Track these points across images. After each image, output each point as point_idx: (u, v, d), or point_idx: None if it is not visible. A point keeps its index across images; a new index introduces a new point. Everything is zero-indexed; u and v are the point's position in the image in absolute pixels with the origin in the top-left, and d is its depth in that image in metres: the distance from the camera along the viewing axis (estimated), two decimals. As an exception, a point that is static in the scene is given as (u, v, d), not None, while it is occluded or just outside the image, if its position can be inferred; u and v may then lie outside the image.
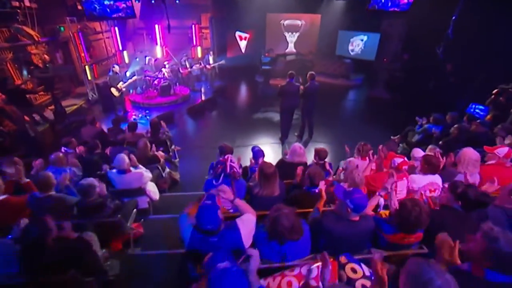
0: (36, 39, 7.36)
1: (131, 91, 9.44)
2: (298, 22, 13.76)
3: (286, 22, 13.68)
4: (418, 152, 3.87)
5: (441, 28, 7.93)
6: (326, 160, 4.03)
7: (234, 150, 6.46)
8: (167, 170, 5.25)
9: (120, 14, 8.01)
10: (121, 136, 5.08)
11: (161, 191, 4.88)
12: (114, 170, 3.80)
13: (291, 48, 14.24)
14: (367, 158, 3.98)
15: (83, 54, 8.44)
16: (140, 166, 4.03)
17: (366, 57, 12.58)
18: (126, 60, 10.39)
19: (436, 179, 3.25)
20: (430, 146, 4.43)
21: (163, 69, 9.47)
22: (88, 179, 3.03)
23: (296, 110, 6.86)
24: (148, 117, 8.07)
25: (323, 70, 12.99)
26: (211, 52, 10.73)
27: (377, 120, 8.13)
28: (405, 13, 8.82)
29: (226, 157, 3.07)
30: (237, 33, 13.02)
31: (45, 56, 8.09)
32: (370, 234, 2.34)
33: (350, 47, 13.09)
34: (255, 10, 12.14)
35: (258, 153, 3.91)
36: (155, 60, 10.07)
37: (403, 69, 10.63)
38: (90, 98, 8.88)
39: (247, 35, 13.28)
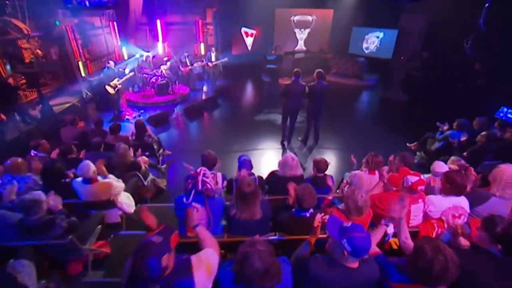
0: (26, 32, 7.10)
1: (130, 89, 9.10)
2: (309, 18, 13.15)
3: (296, 18, 13.10)
4: (440, 167, 3.24)
5: (468, 20, 7.11)
6: (327, 172, 3.46)
7: (232, 156, 6.04)
8: (151, 177, 4.78)
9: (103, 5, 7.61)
10: (97, 139, 4.63)
11: (143, 201, 4.45)
12: (79, 179, 3.35)
13: (301, 45, 13.65)
14: (376, 172, 3.39)
15: (76, 49, 8.14)
16: (110, 176, 3.57)
17: (381, 56, 11.84)
18: (125, 57, 10.08)
19: (462, 201, 2.63)
20: (452, 158, 3.78)
21: (161, 66, 9.09)
22: (34, 192, 2.58)
23: (301, 112, 6.30)
24: (142, 117, 7.68)
25: (334, 69, 12.34)
26: (213, 49, 10.28)
27: (392, 124, 7.45)
28: (425, 3, 8.06)
29: (199, 170, 2.56)
30: (243, 29, 12.54)
31: (38, 51, 7.85)
32: (373, 285, 1.76)
33: (365, 45, 12.37)
34: (263, 5, 11.63)
35: (244, 163, 3.37)
36: (154, 57, 9.71)
37: (422, 68, 9.85)
38: (84, 96, 8.58)
39: (254, 32, 12.78)
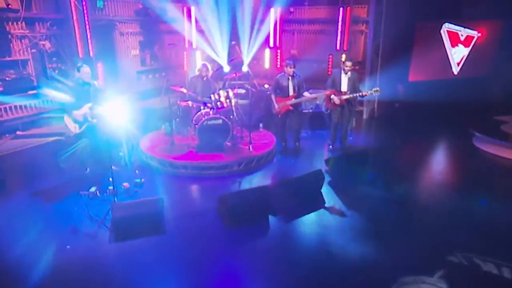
0: (5, 5, 5.38)
1: (162, 127, 5.56)
2: None
3: None
4: None
5: None
6: None
7: None
8: None
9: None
10: None
11: None
12: None
13: None
14: None
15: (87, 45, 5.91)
16: None
17: None
18: (198, 67, 6.94)
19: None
20: None
21: (221, 91, 4.93)
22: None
23: None
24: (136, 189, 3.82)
25: None
26: (347, 65, 4.82)
27: None
28: None
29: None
30: (446, 28, 7.12)
31: (44, 43, 6.10)
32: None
33: None
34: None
35: None
36: (217, 70, 6.40)
37: None
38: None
39: (477, 34, 7.11)
